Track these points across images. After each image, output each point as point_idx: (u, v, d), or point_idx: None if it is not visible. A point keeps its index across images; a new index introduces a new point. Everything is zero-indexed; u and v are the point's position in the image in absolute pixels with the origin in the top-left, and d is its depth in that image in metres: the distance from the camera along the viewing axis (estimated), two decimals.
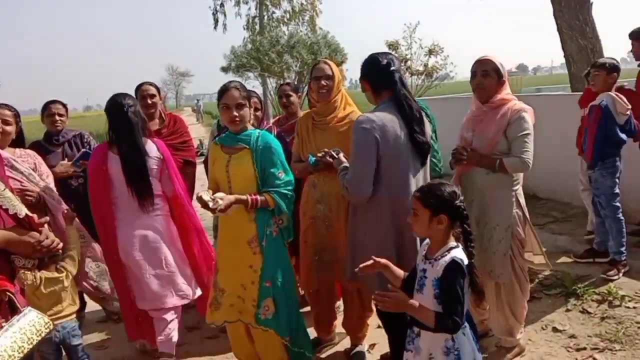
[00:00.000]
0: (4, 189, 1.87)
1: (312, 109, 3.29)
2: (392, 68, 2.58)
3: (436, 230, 2.05)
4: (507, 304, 3.09)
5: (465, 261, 2.02)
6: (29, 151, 3.31)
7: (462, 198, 2.07)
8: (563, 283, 4.10)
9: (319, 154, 2.99)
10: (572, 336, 3.41)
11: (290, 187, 2.79)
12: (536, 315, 3.70)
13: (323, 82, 3.08)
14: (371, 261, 2.16)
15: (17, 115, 3.14)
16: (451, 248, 2.06)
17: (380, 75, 2.59)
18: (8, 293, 1.71)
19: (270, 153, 2.75)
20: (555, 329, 3.52)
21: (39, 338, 1.75)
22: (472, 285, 2.04)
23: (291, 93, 4.11)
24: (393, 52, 3.32)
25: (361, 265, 2.16)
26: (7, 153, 2.99)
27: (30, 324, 1.73)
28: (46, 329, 1.79)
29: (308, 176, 3.20)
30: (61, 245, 2.00)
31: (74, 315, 2.86)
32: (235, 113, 2.73)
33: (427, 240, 2.17)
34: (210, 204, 2.60)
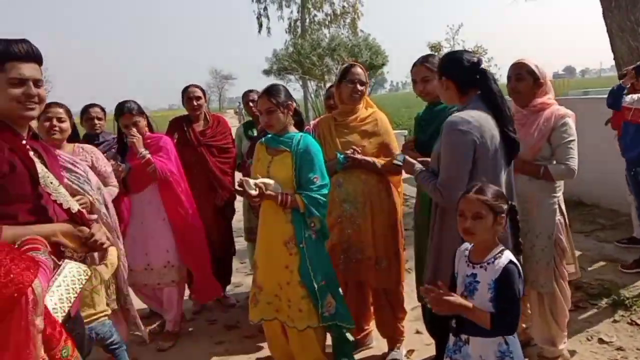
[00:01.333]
0: (59, 185, 1.95)
1: (333, 112, 3.36)
2: (482, 66, 2.52)
3: (493, 232, 2.04)
4: (550, 312, 3.01)
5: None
6: (86, 146, 3.35)
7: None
8: (610, 293, 3.96)
9: (348, 151, 3.01)
10: (620, 349, 3.28)
11: (323, 192, 2.79)
12: (581, 325, 3.59)
13: (359, 87, 3.11)
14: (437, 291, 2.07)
15: (68, 111, 3.24)
16: (502, 250, 2.04)
17: (469, 73, 2.47)
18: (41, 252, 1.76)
19: (309, 157, 2.77)
20: (601, 341, 3.40)
21: (81, 286, 1.84)
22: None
23: None
24: (436, 54, 3.25)
25: (428, 287, 2.08)
26: (66, 153, 3.05)
27: (70, 275, 1.80)
28: (85, 275, 1.86)
29: (333, 176, 3.21)
30: (108, 244, 2.07)
31: (104, 318, 2.88)
32: (266, 119, 2.83)
33: (467, 245, 2.14)
34: (253, 192, 2.68)
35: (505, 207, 2.04)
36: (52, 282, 1.75)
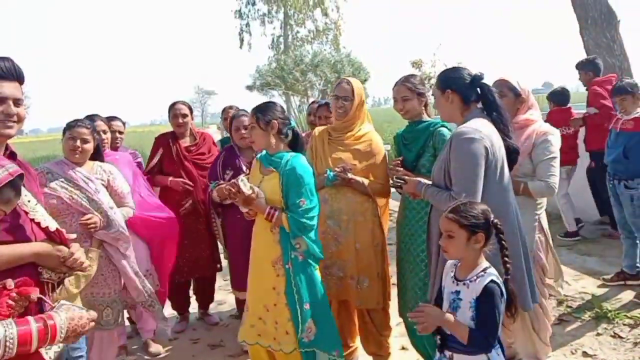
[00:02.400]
0: (36, 203, 1.91)
1: (328, 126, 3.34)
2: (483, 80, 2.55)
3: (472, 250, 2.02)
4: (532, 327, 3.02)
5: (501, 280, 2.01)
6: (105, 166, 3.30)
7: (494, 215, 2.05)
8: (593, 306, 3.99)
9: (337, 169, 3.00)
10: None
11: (310, 215, 2.73)
12: (565, 339, 3.60)
13: (341, 103, 3.13)
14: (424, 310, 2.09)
15: (94, 131, 3.22)
16: (485, 268, 2.03)
17: (472, 86, 2.52)
18: (32, 297, 1.71)
19: (295, 179, 2.71)
20: (585, 354, 3.41)
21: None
22: (509, 303, 2.03)
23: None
24: (417, 74, 3.28)
25: (415, 313, 2.10)
26: (82, 170, 3.12)
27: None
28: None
29: (319, 191, 3.19)
30: (87, 264, 2.02)
31: None
32: (248, 133, 3.00)
33: (453, 261, 2.14)
34: (247, 191, 2.69)
35: (481, 225, 2.00)
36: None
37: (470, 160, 2.34)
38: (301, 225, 2.70)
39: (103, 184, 3.21)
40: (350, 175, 3.03)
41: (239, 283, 3.77)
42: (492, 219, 2.03)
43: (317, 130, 3.35)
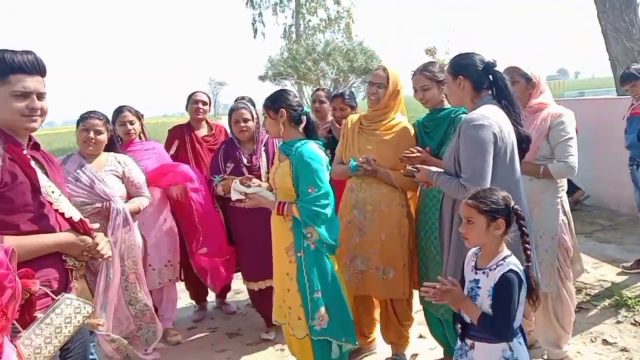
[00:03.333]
0: (60, 194, 1.94)
1: (362, 113, 3.28)
2: (496, 67, 2.54)
3: (492, 237, 2.01)
4: (554, 314, 3.01)
5: (522, 268, 1.98)
6: (120, 157, 3.33)
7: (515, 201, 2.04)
8: (612, 294, 3.95)
9: (360, 159, 2.98)
10: (624, 349, 3.27)
11: (319, 203, 2.69)
12: (584, 326, 3.58)
13: (374, 89, 3.08)
14: (440, 284, 2.09)
15: (107, 122, 3.23)
16: (506, 256, 2.01)
17: (484, 73, 2.51)
18: (33, 289, 1.74)
19: (303, 166, 2.70)
20: (605, 342, 3.39)
21: (77, 325, 1.81)
22: (530, 291, 2.00)
23: (324, 100, 4.34)
24: (435, 62, 3.24)
25: (428, 285, 2.11)
26: (91, 169, 3.16)
27: (64, 313, 1.78)
28: (85, 314, 1.84)
29: (348, 179, 3.19)
30: (110, 254, 2.05)
31: None
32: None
33: (474, 249, 2.13)
34: (233, 197, 2.93)
35: (502, 210, 1.98)
36: (43, 318, 1.72)
37: (479, 146, 2.34)
38: (312, 213, 2.69)
39: (116, 175, 3.24)
40: (373, 167, 2.97)
41: (248, 274, 3.80)
42: (512, 204, 2.01)
43: (351, 117, 3.28)
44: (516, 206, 2.02)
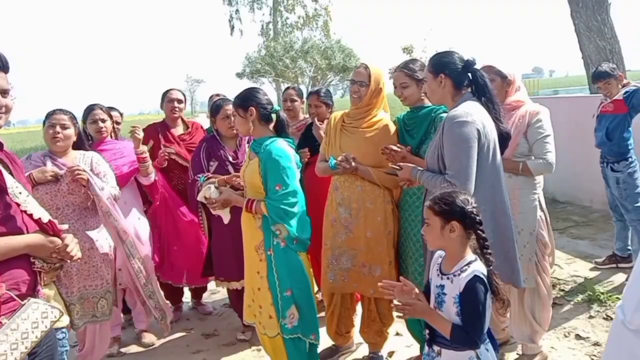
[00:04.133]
0: (28, 195, 1.88)
1: (344, 111, 3.24)
2: (475, 65, 2.55)
3: (449, 240, 1.97)
4: (530, 309, 3.04)
5: (485, 272, 1.94)
6: (88, 153, 3.27)
7: (475, 205, 1.98)
8: (585, 289, 4.02)
9: (339, 158, 2.97)
10: (596, 344, 3.32)
11: (287, 201, 2.69)
12: (558, 322, 3.62)
13: (356, 87, 3.06)
14: (401, 284, 2.07)
15: (73, 117, 3.16)
16: (470, 262, 1.96)
17: (464, 70, 2.52)
18: (2, 292, 1.69)
19: (271, 164, 2.69)
20: (578, 336, 3.44)
21: (45, 330, 1.75)
22: (495, 295, 1.97)
23: (295, 98, 4.28)
24: (417, 60, 3.24)
25: (387, 283, 2.10)
26: (66, 163, 3.08)
27: (31, 318, 1.72)
28: (53, 318, 1.78)
29: (331, 178, 3.17)
30: (79, 255, 2.00)
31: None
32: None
33: (440, 252, 2.10)
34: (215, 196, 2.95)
35: (455, 212, 1.93)
36: (9, 323, 1.66)
37: (463, 143, 2.35)
38: (280, 211, 2.68)
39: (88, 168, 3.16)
40: (352, 165, 2.94)
41: (231, 273, 3.74)
42: (469, 208, 1.94)
43: (335, 115, 3.26)
44: (472, 209, 1.95)
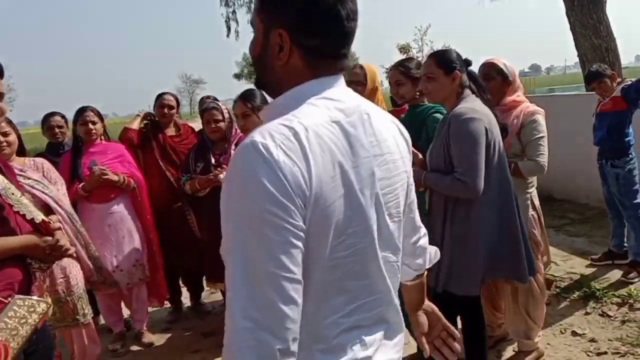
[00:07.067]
0: (21, 196, 1.89)
1: None
2: (471, 65, 2.60)
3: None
4: (524, 306, 3.05)
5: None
6: (37, 159, 3.22)
7: None
8: (581, 286, 4.04)
9: None
10: (592, 340, 3.34)
11: None
12: (554, 318, 3.64)
13: (353, 88, 3.05)
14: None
15: (10, 122, 3.04)
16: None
17: (468, 70, 2.56)
18: None
19: None
20: (574, 333, 3.46)
21: (33, 324, 1.76)
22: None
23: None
24: (413, 59, 3.27)
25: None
26: (16, 164, 2.94)
27: (17, 315, 1.72)
28: (40, 312, 1.79)
29: None
30: (72, 250, 2.02)
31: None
32: (241, 122, 3.20)
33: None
34: None
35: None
36: None
37: (472, 139, 2.36)
38: None
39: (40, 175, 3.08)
40: None
41: (211, 274, 3.74)
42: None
43: None
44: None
